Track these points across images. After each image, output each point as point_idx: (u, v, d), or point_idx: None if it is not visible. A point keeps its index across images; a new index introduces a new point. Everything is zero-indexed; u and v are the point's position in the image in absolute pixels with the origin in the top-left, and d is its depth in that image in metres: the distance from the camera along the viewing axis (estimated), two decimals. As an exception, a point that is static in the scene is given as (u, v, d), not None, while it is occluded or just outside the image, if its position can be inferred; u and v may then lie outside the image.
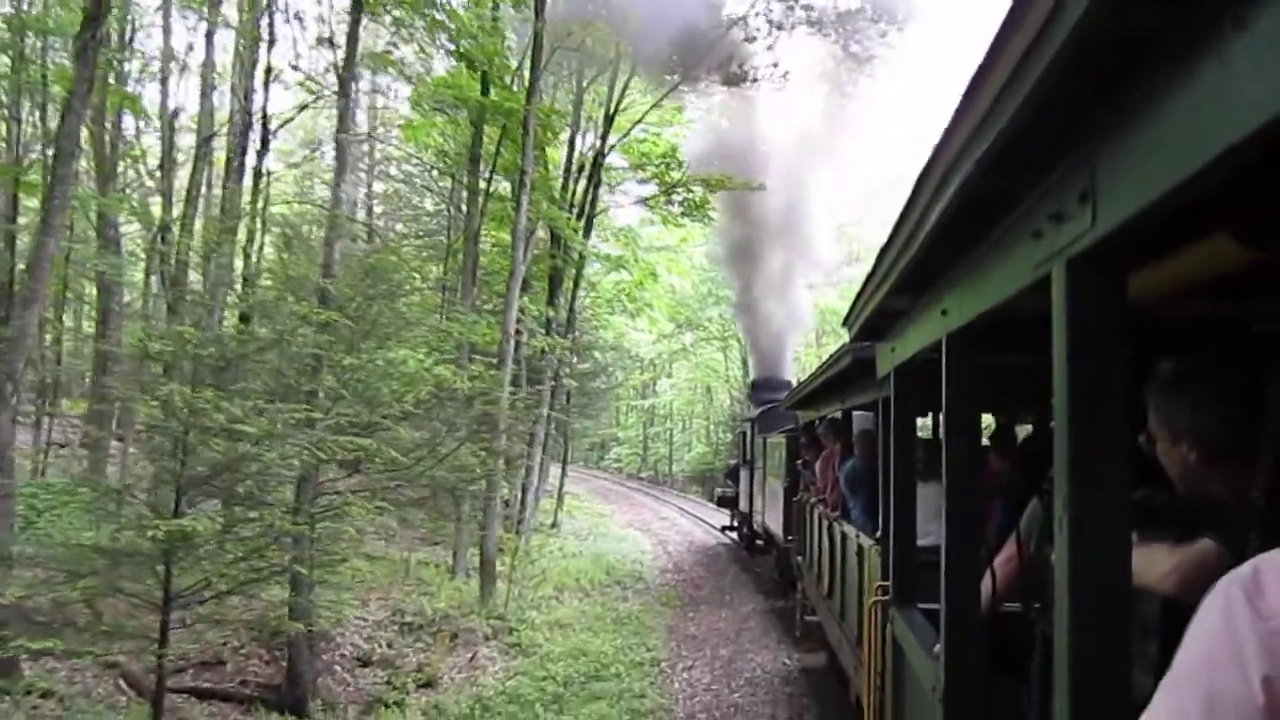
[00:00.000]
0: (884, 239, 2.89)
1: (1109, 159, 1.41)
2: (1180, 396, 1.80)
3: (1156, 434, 1.87)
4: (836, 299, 32.90)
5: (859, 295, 3.78)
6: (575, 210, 19.69)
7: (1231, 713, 0.89)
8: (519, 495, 18.43)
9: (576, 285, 20.20)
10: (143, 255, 18.31)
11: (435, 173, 21.31)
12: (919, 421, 4.54)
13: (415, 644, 12.03)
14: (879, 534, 5.58)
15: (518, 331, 17.99)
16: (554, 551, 19.54)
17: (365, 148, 27.65)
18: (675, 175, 19.03)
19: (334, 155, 10.63)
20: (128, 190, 19.15)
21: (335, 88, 11.70)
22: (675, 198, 19.47)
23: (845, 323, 4.41)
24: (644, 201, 20.87)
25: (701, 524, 27.15)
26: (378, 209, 29.59)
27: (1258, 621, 0.89)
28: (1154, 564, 1.75)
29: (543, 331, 18.37)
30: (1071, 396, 1.56)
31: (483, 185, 16.69)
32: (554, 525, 23.54)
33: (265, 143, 15.24)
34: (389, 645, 11.81)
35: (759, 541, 18.10)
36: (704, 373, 45.97)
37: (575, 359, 24.89)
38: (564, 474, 25.62)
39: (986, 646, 2.68)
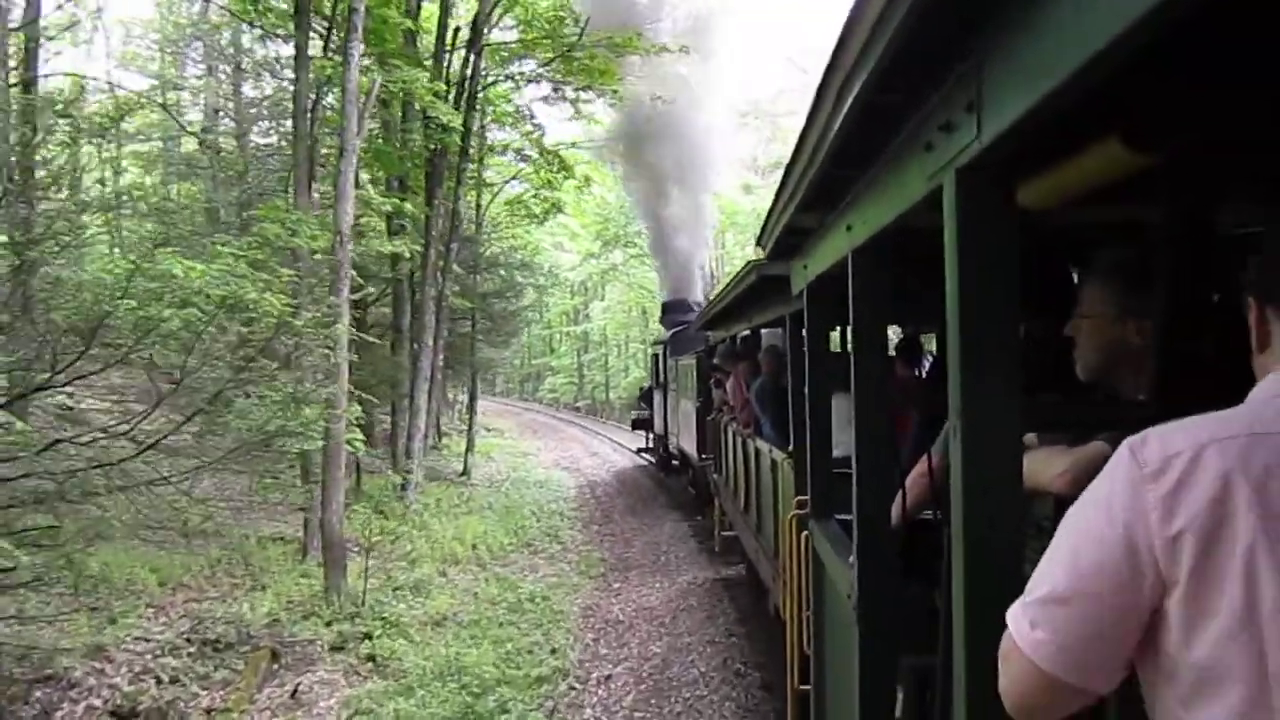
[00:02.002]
0: (789, 156, 2.96)
1: (993, 68, 1.45)
2: (1145, 279, 1.90)
3: (1095, 311, 2.00)
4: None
5: (770, 213, 3.85)
6: (456, 88, 15.52)
7: (1095, 548, 1.09)
8: (406, 442, 14.67)
9: (459, 181, 16.15)
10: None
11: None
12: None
13: (216, 672, 8.32)
14: (791, 447, 5.78)
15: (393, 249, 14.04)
16: (457, 507, 16.07)
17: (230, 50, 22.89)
18: (570, 36, 14.91)
19: None
20: None
21: None
22: (573, 69, 15.34)
23: (759, 241, 4.49)
24: (537, 77, 16.75)
25: (636, 461, 23.73)
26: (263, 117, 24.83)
27: (1134, 469, 1.07)
28: (1050, 465, 1.84)
29: (419, 240, 14.41)
30: (962, 306, 1.61)
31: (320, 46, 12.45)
32: (463, 473, 19.92)
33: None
34: (173, 680, 8.03)
35: (674, 462, 18.92)
36: (637, 293, 42.66)
37: (476, 279, 20.89)
38: (472, 411, 21.87)
39: (899, 553, 2.81)
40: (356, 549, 12.71)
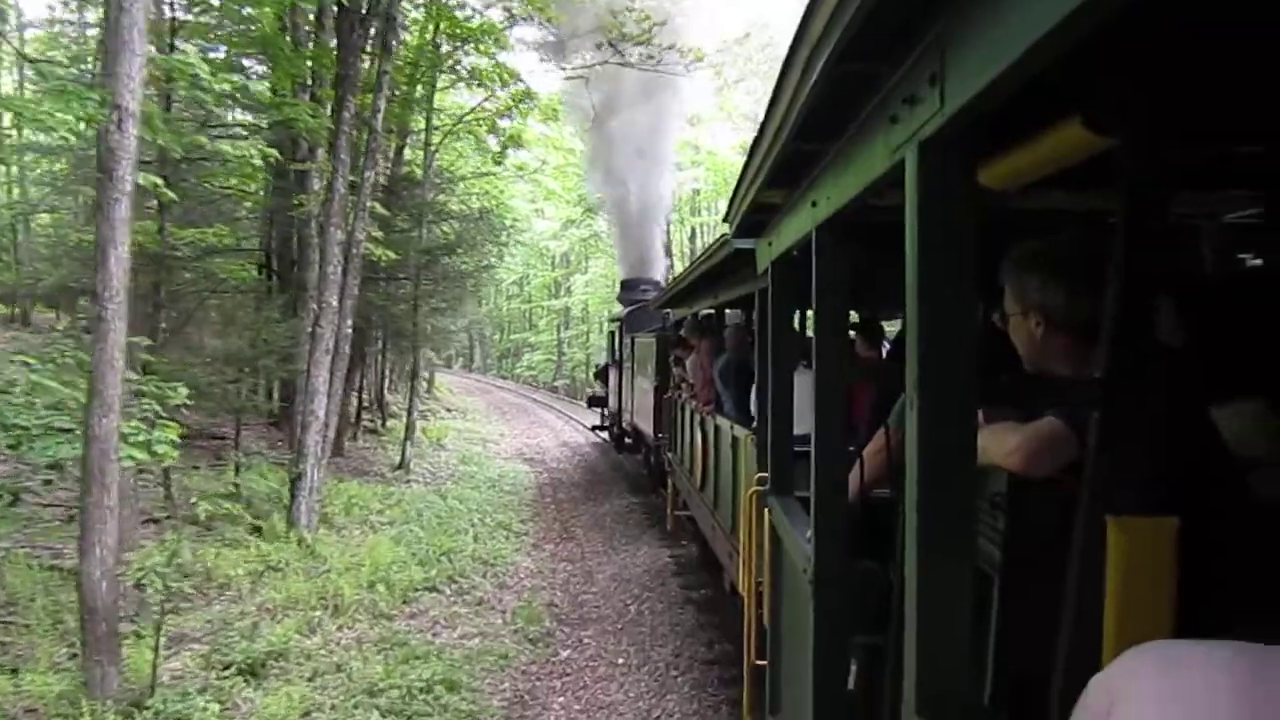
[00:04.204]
0: (754, 133, 3.00)
1: (957, 41, 1.45)
2: (1032, 271, 2.00)
3: (1009, 310, 2.07)
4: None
5: (736, 190, 3.85)
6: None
7: None
8: (299, 432, 10.74)
9: (380, 87, 12.01)
10: None
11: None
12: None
13: None
14: (754, 424, 5.84)
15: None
16: (377, 515, 12.51)
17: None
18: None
19: None
20: None
21: None
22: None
23: (725, 218, 4.54)
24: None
25: (611, 454, 19.88)
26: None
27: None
28: (1002, 441, 1.84)
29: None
30: (920, 280, 1.61)
31: None
32: (400, 466, 16.01)
33: None
34: None
35: (627, 440, 18.74)
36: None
37: (422, 233, 16.76)
38: (414, 391, 17.90)
39: (856, 530, 2.83)
40: (207, 597, 8.76)
